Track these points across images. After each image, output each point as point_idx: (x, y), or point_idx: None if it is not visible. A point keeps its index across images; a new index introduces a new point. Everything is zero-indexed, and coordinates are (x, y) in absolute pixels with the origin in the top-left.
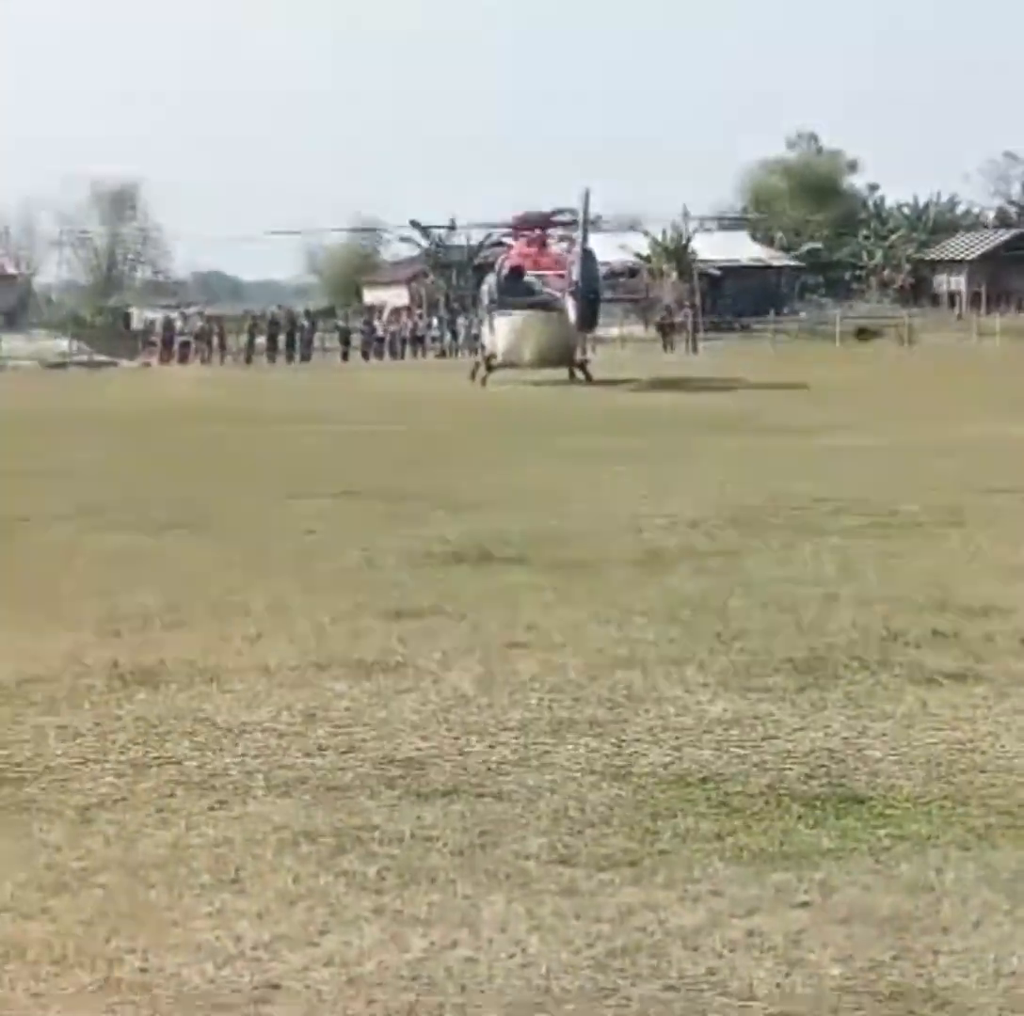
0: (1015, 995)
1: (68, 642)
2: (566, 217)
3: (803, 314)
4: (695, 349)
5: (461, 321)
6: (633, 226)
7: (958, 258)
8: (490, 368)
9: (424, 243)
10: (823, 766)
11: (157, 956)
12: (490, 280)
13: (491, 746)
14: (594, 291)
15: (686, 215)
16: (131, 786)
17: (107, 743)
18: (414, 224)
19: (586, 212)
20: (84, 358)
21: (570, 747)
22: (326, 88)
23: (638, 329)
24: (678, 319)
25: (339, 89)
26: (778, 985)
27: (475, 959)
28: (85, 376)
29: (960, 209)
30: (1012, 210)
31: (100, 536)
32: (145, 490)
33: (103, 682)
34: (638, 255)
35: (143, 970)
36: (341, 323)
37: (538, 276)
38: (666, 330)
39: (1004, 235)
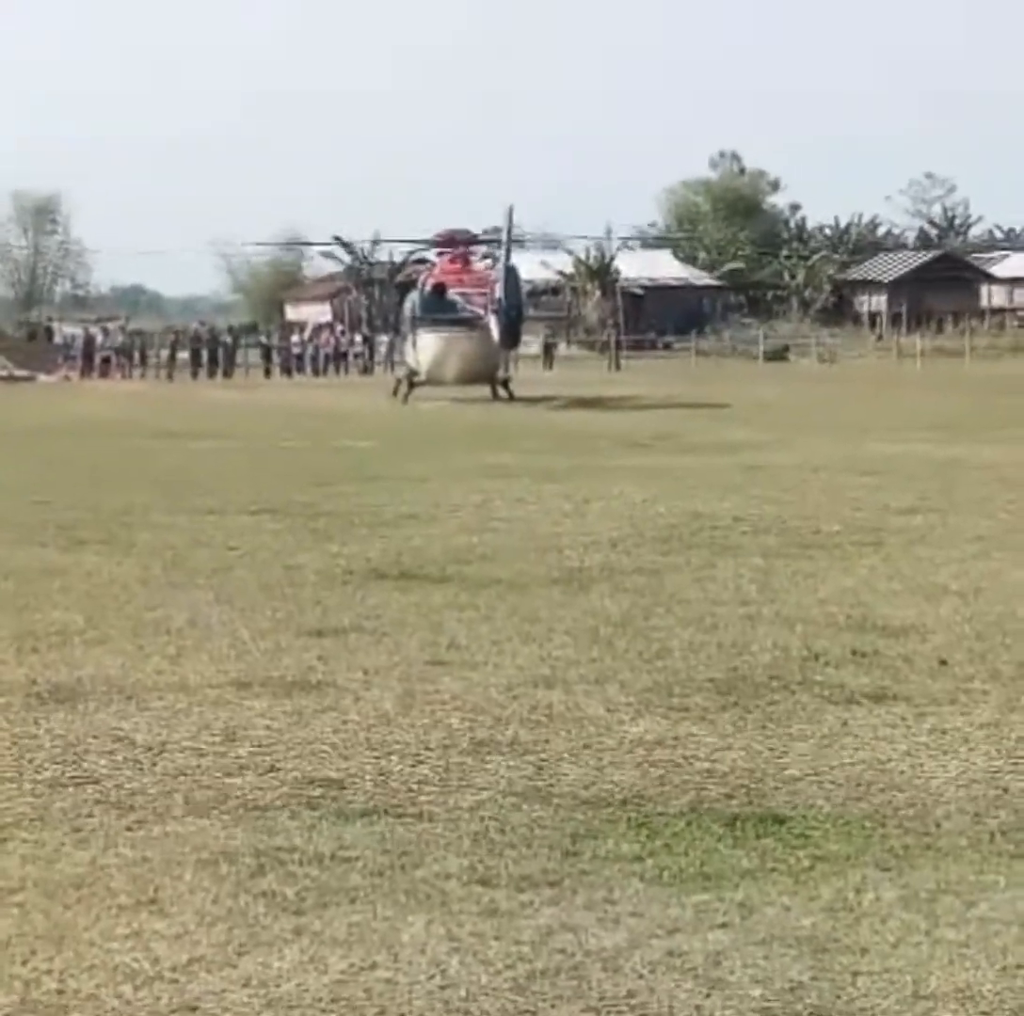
0: None
1: None
2: (490, 235)
3: (726, 333)
4: (617, 367)
5: (382, 338)
6: (556, 244)
7: (879, 279)
8: (412, 385)
9: (347, 259)
10: (743, 786)
11: (74, 977)
12: (413, 297)
13: (412, 766)
14: (517, 309)
15: (609, 233)
16: (48, 805)
17: (24, 762)
18: (338, 240)
19: (510, 230)
20: (3, 372)
21: (491, 767)
22: (251, 102)
23: (562, 347)
24: (600, 337)
25: (263, 103)
26: (698, 1007)
27: (395, 980)
28: (4, 390)
29: (881, 230)
30: (932, 232)
31: (16, 551)
32: (63, 505)
33: (20, 700)
34: (561, 273)
35: (60, 991)
36: (264, 339)
37: (461, 294)
38: (545, 349)
39: (925, 256)
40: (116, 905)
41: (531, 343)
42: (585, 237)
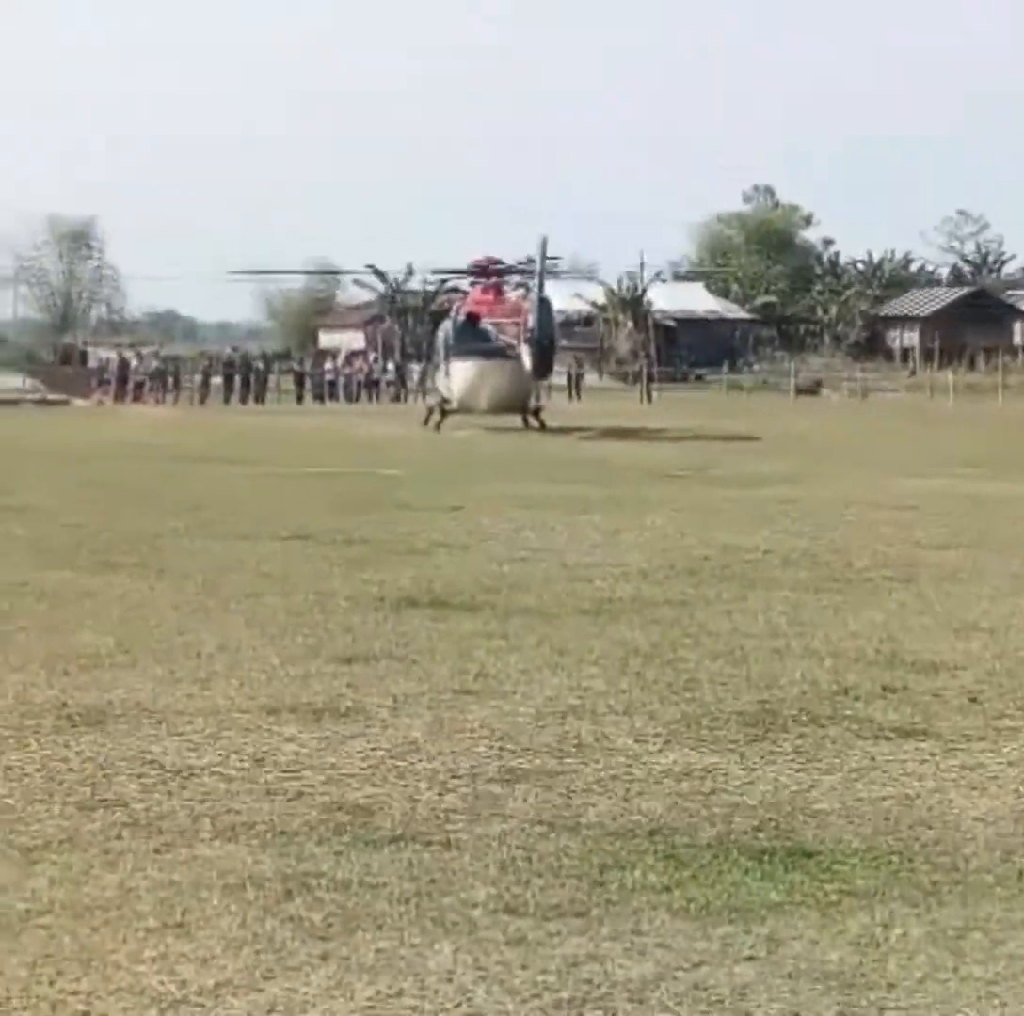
0: None
1: (15, 681)
2: (524, 265)
3: (757, 367)
4: (649, 399)
5: (414, 366)
6: (589, 275)
7: (912, 314)
8: (444, 413)
9: (381, 287)
10: (771, 819)
11: (101, 1000)
12: (446, 326)
13: (440, 794)
14: (550, 339)
15: (642, 265)
16: (77, 827)
17: (53, 784)
18: (372, 268)
19: (543, 260)
20: (38, 396)
21: (519, 796)
22: (284, 134)
23: (593, 378)
24: (632, 368)
25: (297, 134)
26: None
27: (421, 1008)
28: (39, 414)
29: (914, 266)
30: (965, 268)
31: (50, 574)
32: (96, 529)
33: (50, 722)
34: (594, 304)
35: (86, 1013)
36: (296, 366)
37: (494, 323)
38: (572, 380)
39: (957, 292)
40: (143, 928)
41: (562, 373)
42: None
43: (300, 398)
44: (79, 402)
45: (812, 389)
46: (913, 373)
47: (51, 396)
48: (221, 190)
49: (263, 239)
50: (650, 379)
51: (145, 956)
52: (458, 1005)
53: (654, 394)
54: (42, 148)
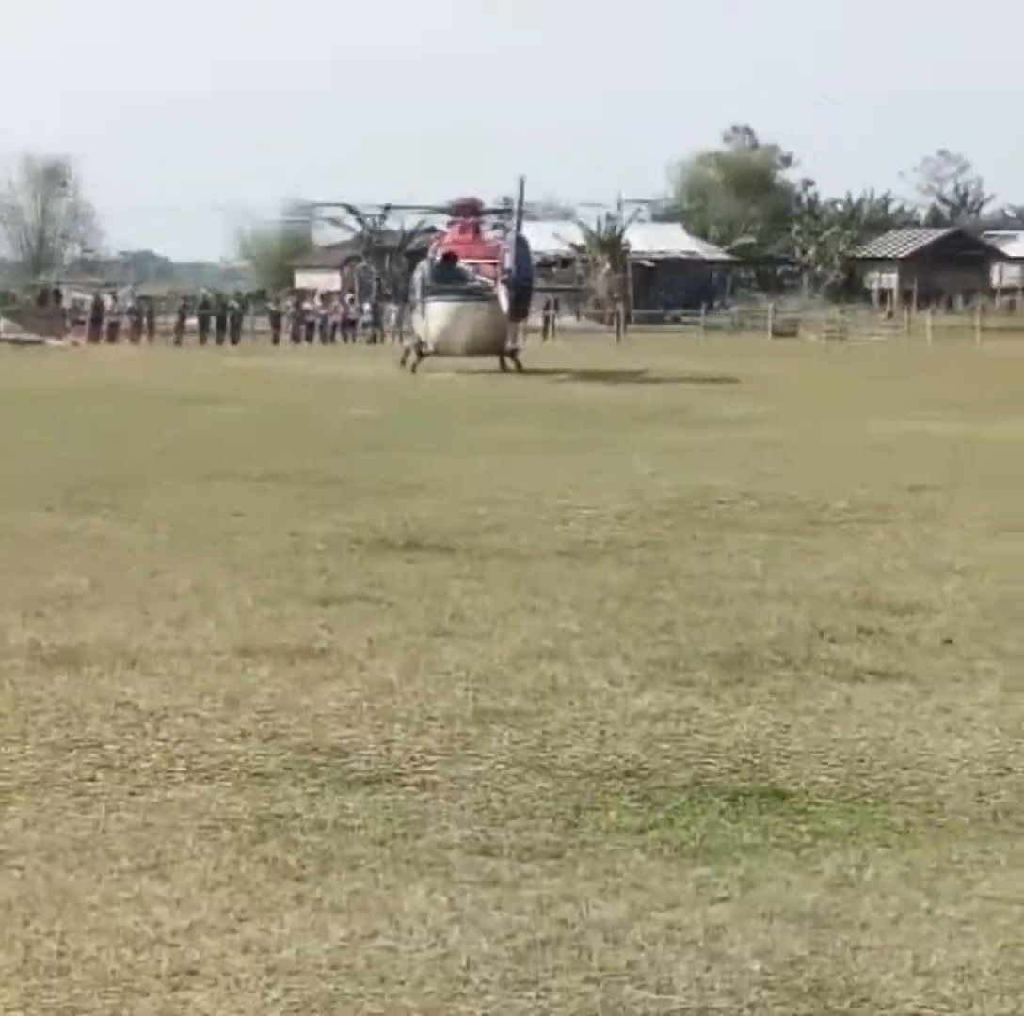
0: (932, 993)
1: None
2: (501, 205)
3: (735, 308)
4: (619, 340)
5: (391, 307)
6: (567, 216)
7: (890, 255)
8: (421, 355)
9: (357, 227)
10: (746, 761)
11: (75, 940)
12: (423, 266)
13: (415, 735)
14: (527, 280)
15: (621, 204)
16: (50, 769)
17: (27, 725)
18: (347, 208)
19: (521, 200)
20: (12, 336)
21: (494, 738)
22: (262, 66)
23: (571, 319)
24: (609, 310)
25: (274, 70)
26: (698, 979)
27: (395, 948)
28: (13, 354)
29: (893, 207)
30: (944, 208)
31: (23, 515)
32: (70, 470)
33: (24, 663)
34: (572, 245)
35: (61, 954)
36: (272, 306)
37: (471, 264)
38: (546, 320)
39: (936, 234)
40: (118, 869)
41: (538, 314)
42: (599, 205)
43: (276, 339)
44: (53, 342)
45: (789, 331)
46: (891, 315)
47: (25, 336)
48: (197, 128)
49: (236, 178)
50: (628, 320)
51: (119, 897)
52: (433, 945)
53: (628, 335)
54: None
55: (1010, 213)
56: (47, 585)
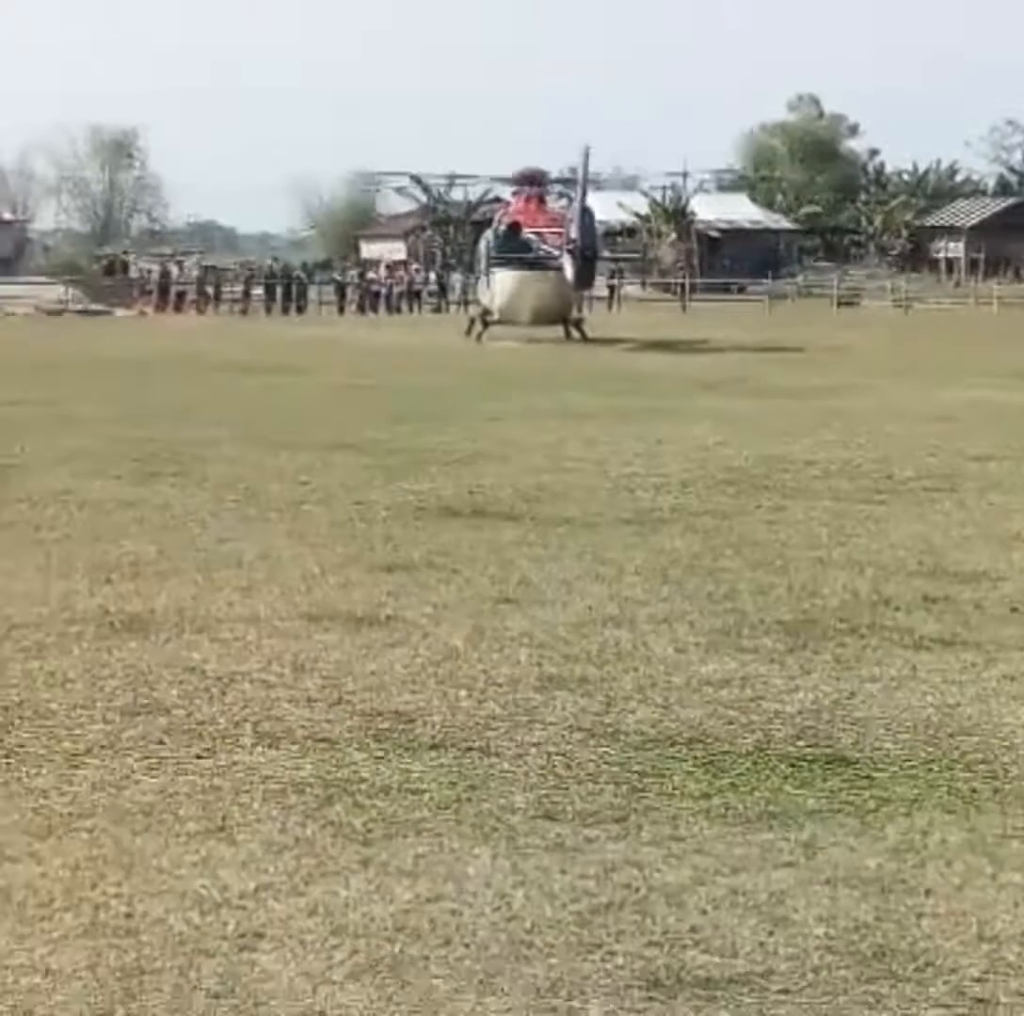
0: (997, 958)
1: (59, 589)
2: (566, 175)
3: (801, 278)
4: (684, 309)
5: (456, 277)
6: (632, 185)
7: (957, 225)
8: (486, 325)
9: (423, 198)
10: (811, 727)
11: (143, 902)
12: (488, 236)
13: (480, 701)
14: (592, 249)
15: (685, 175)
16: (119, 733)
17: (96, 690)
18: (413, 178)
19: (585, 169)
20: (80, 306)
21: (558, 704)
22: (328, 40)
23: (635, 289)
24: (675, 280)
25: (341, 41)
26: (761, 943)
27: (459, 912)
28: (81, 324)
29: (960, 176)
30: (1012, 178)
31: (91, 483)
32: (138, 437)
33: (93, 629)
34: (636, 215)
35: (128, 915)
36: (338, 276)
37: (536, 233)
38: (612, 290)
39: (1003, 203)
40: (185, 832)
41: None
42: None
43: (342, 309)
44: (121, 312)
45: (851, 300)
46: (957, 284)
47: (93, 307)
48: (265, 101)
49: (305, 150)
50: (693, 290)
51: (187, 860)
52: (497, 909)
53: (692, 305)
54: (86, 58)
55: None
56: (115, 552)
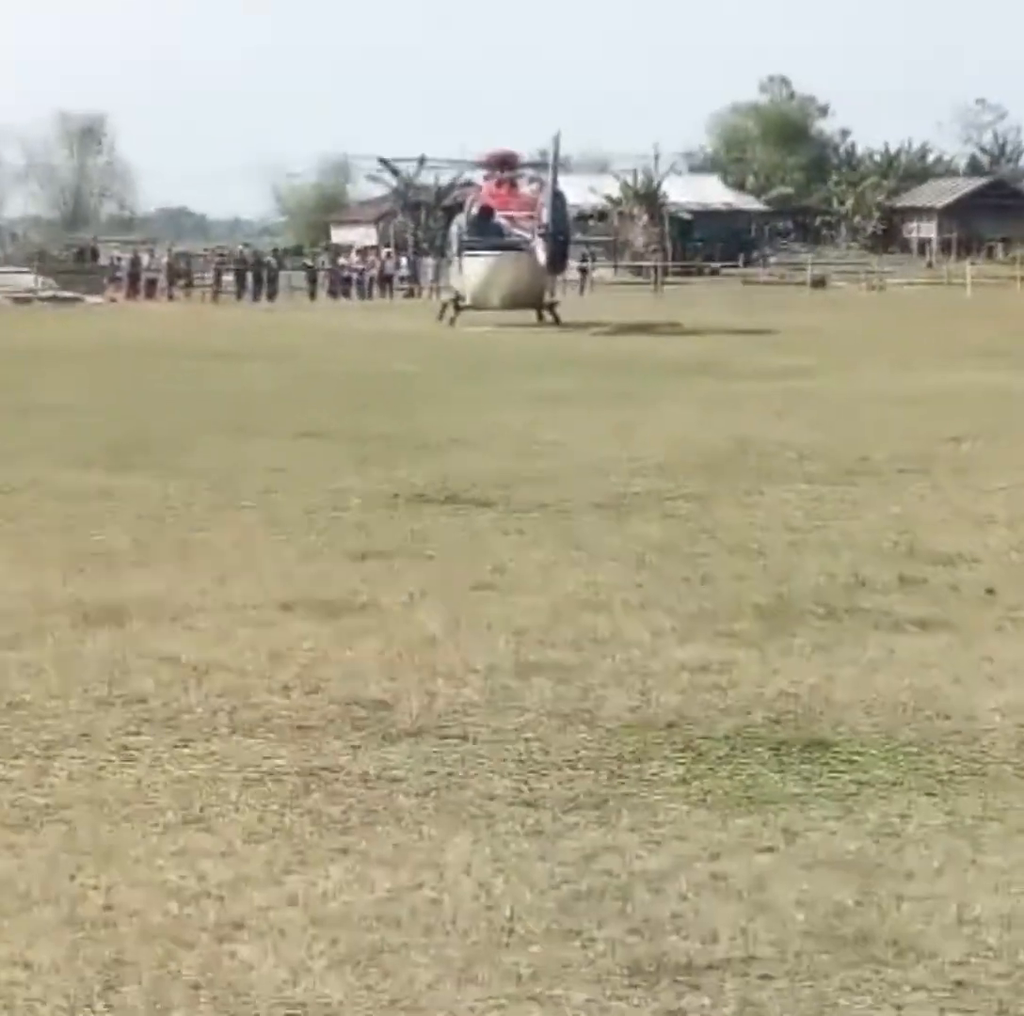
0: (977, 942)
1: (32, 579)
2: (537, 159)
3: (773, 259)
4: (656, 291)
5: (428, 261)
6: (603, 168)
7: (928, 205)
8: (458, 309)
9: (393, 182)
10: (789, 711)
11: (121, 893)
12: (459, 220)
13: (457, 688)
14: (564, 233)
15: (657, 157)
16: (95, 723)
17: (71, 680)
18: (383, 162)
19: (557, 153)
20: (50, 294)
21: (536, 690)
22: (297, 25)
23: (607, 272)
24: (647, 262)
25: (310, 27)
26: (742, 929)
27: (439, 900)
28: (51, 312)
29: (931, 157)
30: (983, 158)
31: (64, 473)
32: (110, 426)
33: (67, 619)
34: (608, 198)
35: (107, 907)
36: (308, 262)
37: (508, 217)
38: (583, 272)
39: (975, 183)
40: (162, 823)
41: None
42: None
43: (312, 294)
44: (91, 300)
45: (823, 281)
46: (930, 265)
47: (63, 294)
48: (232, 86)
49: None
50: (664, 272)
51: (165, 850)
52: (476, 897)
53: (665, 288)
54: (52, 45)
55: None
56: (88, 542)
